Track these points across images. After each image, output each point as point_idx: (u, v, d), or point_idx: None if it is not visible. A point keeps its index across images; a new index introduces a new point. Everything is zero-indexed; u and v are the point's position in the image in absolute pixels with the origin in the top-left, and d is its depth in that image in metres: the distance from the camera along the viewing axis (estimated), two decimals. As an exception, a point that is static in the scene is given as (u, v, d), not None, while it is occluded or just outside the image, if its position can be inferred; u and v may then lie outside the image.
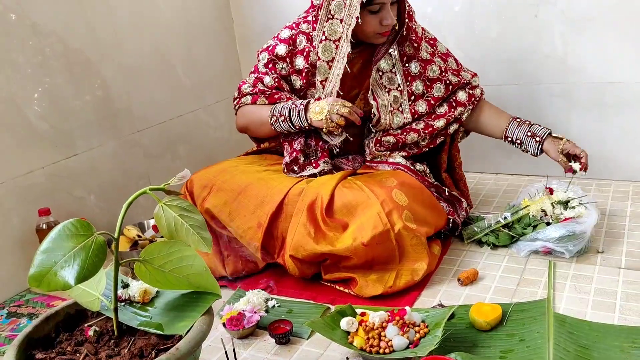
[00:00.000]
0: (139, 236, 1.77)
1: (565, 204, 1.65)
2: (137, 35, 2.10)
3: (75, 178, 1.88)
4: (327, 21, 1.60)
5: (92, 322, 1.08)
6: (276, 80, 1.71)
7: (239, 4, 2.51)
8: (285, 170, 1.69)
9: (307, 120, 1.61)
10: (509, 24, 2.05)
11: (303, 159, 1.69)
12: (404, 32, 1.67)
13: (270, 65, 1.71)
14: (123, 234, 1.80)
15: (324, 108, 1.59)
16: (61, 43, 1.82)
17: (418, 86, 1.73)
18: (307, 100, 1.65)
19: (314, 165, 1.69)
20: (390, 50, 1.70)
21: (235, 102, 1.78)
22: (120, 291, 1.09)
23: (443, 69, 1.75)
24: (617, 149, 2.04)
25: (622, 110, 1.98)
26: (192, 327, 0.99)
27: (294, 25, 1.72)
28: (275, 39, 1.72)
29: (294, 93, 1.73)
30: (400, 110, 1.72)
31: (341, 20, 1.58)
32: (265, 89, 1.72)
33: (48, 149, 1.80)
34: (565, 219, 1.60)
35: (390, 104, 1.70)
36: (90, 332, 1.04)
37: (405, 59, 1.72)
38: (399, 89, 1.72)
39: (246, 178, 1.64)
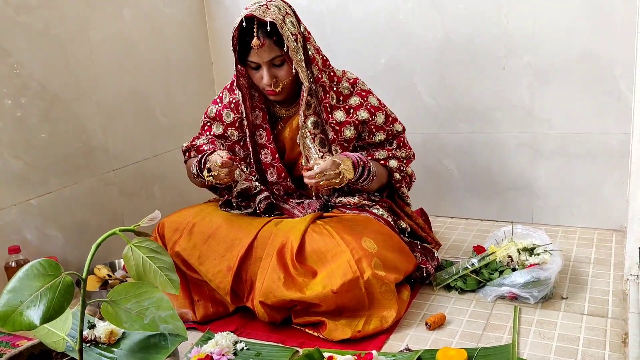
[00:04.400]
0: (109, 276, 1.77)
1: (530, 250, 1.69)
2: (117, 76, 2.13)
3: (47, 216, 1.88)
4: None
5: (56, 363, 1.07)
6: (210, 140, 1.80)
7: (219, 47, 2.57)
8: (223, 209, 1.74)
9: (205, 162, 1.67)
10: (478, 75, 2.13)
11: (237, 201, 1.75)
12: (306, 96, 1.63)
13: (206, 127, 1.83)
14: (93, 273, 1.79)
15: (208, 163, 1.63)
16: (38, 81, 1.84)
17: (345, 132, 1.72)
18: (206, 154, 1.69)
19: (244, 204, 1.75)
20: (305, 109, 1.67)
21: (184, 161, 1.88)
22: (86, 332, 1.09)
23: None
24: (582, 197, 2.10)
25: (586, 159, 2.06)
26: (156, 369, 0.99)
27: (228, 85, 1.79)
28: (212, 102, 1.83)
29: (239, 145, 1.79)
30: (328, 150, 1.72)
31: None
32: (196, 143, 1.81)
33: (21, 187, 1.80)
34: (530, 265, 1.64)
35: (319, 149, 1.70)
36: (54, 374, 1.04)
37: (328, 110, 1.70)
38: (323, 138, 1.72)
39: (216, 220, 1.66)
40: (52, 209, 1.89)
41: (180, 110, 2.43)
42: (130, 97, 2.20)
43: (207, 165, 1.64)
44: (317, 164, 1.57)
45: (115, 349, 1.07)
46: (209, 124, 1.83)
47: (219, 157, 1.60)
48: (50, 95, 1.89)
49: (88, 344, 1.09)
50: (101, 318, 1.16)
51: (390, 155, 1.77)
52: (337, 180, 1.59)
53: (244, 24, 1.56)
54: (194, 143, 1.82)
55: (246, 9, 1.56)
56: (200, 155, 1.71)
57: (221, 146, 1.79)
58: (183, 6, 2.45)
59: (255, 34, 1.55)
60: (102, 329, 1.09)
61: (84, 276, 1.00)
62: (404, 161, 1.81)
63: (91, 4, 2.02)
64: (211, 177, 1.64)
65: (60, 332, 1.03)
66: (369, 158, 1.74)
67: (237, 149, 1.79)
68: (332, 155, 1.69)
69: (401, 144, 1.80)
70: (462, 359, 1.31)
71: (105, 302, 1.01)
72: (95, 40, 2.04)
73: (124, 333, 1.11)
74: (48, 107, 1.88)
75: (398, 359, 1.32)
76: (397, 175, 1.79)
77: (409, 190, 1.87)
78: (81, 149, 2.00)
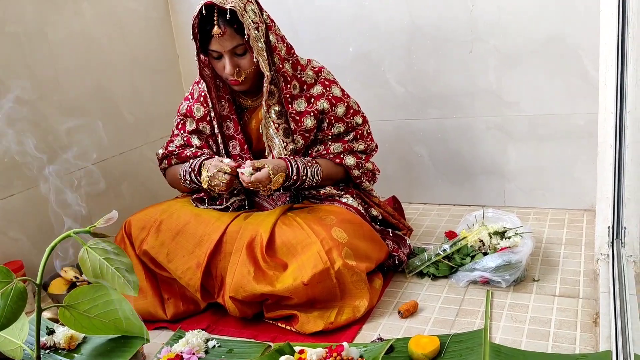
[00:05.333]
0: (76, 278, 1.73)
1: (501, 234, 1.69)
2: (79, 74, 2.08)
3: (10, 219, 1.83)
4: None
5: (15, 372, 1.04)
6: (185, 139, 1.77)
7: (185, 40, 2.52)
8: (194, 204, 1.73)
9: (198, 179, 1.65)
10: (446, 60, 2.12)
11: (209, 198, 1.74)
12: (268, 86, 1.60)
13: (180, 126, 1.79)
14: (60, 275, 1.75)
15: (206, 172, 1.59)
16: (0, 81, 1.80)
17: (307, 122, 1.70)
18: (202, 160, 1.67)
19: (219, 202, 1.73)
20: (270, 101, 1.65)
21: (160, 167, 1.86)
22: (45, 338, 1.06)
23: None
24: (553, 178, 2.11)
25: (556, 141, 2.06)
26: (117, 373, 0.97)
27: (197, 78, 1.74)
28: (184, 99, 1.80)
29: (212, 138, 1.75)
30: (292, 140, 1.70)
31: None
32: (174, 148, 1.78)
33: (-19, 190, 1.76)
34: (502, 249, 1.64)
35: (282, 139, 1.68)
36: (12, 383, 1.01)
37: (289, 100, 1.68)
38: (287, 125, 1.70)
39: (184, 216, 1.63)
40: (16, 211, 1.85)
41: (147, 106, 2.39)
42: (94, 94, 2.15)
43: (208, 173, 1.59)
44: (258, 168, 1.56)
45: (75, 355, 1.05)
46: (182, 121, 1.79)
47: (226, 166, 1.57)
48: (10, 96, 1.83)
49: (47, 351, 1.06)
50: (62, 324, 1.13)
51: (347, 148, 1.75)
52: (263, 189, 1.58)
53: (203, 11, 1.52)
54: (171, 150, 1.79)
55: None
56: (194, 161, 1.68)
57: (198, 142, 1.76)
58: (146, 1, 2.39)
59: (215, 22, 1.52)
60: (62, 334, 1.06)
61: (37, 281, 0.97)
62: (363, 157, 1.79)
63: (49, 0, 1.96)
64: (209, 183, 1.59)
65: (17, 340, 1.00)
66: (325, 153, 1.73)
67: (211, 143, 1.76)
68: (295, 143, 1.68)
69: (358, 136, 1.77)
70: (434, 347, 1.30)
71: (62, 306, 0.99)
72: (55, 38, 1.99)
73: (84, 337, 1.08)
74: (7, 108, 1.83)
75: (369, 350, 1.31)
76: (356, 172, 1.77)
77: (373, 183, 1.86)
78: (43, 149, 1.94)
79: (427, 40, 2.12)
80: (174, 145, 1.79)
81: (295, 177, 1.63)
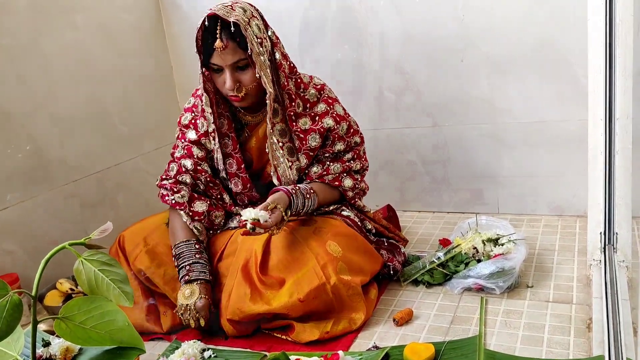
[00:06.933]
0: (72, 289, 1.73)
1: (495, 241, 1.70)
2: (72, 86, 2.09)
3: (5, 231, 1.83)
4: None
5: (11, 385, 1.04)
6: (186, 148, 1.69)
7: (178, 52, 2.54)
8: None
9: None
10: (438, 69, 2.13)
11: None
12: (271, 103, 1.57)
13: (180, 135, 1.73)
14: (55, 287, 1.75)
15: (182, 303, 1.51)
16: (-9, 95, 1.80)
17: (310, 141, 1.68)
18: (189, 278, 1.54)
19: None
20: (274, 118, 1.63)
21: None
22: (40, 350, 1.06)
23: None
24: (546, 185, 2.12)
25: (549, 148, 2.08)
26: (113, 384, 0.97)
27: (198, 91, 1.71)
28: (185, 110, 1.74)
29: (211, 154, 1.71)
30: (296, 158, 1.69)
31: None
32: (175, 172, 1.69)
33: (-24, 203, 1.76)
34: (495, 256, 1.65)
35: (287, 159, 1.67)
36: (8, 395, 1.01)
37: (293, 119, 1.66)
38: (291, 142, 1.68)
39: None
40: (10, 224, 1.85)
41: (141, 117, 2.40)
42: (87, 107, 2.15)
43: (182, 299, 1.52)
44: (267, 215, 1.48)
45: (71, 366, 1.05)
46: (182, 132, 1.73)
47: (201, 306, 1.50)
48: (3, 108, 1.84)
49: (43, 363, 1.06)
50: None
51: (346, 168, 1.73)
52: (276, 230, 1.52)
53: (206, 23, 1.49)
54: (172, 174, 1.69)
55: (210, 9, 1.51)
56: (182, 260, 1.58)
57: (199, 153, 1.68)
58: (139, 12, 2.41)
59: (218, 35, 1.49)
60: (57, 346, 1.06)
61: (33, 293, 0.97)
62: (359, 177, 1.78)
63: (42, 13, 1.98)
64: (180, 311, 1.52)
65: (13, 352, 1.00)
66: (325, 174, 1.70)
67: (212, 155, 1.70)
68: (299, 162, 1.68)
69: (356, 156, 1.76)
70: (429, 354, 1.31)
71: (58, 318, 0.99)
72: (48, 50, 2.00)
73: (80, 349, 1.08)
74: (1, 120, 1.83)
75: (365, 358, 1.32)
76: (350, 194, 1.75)
77: (360, 200, 1.86)
78: (38, 161, 1.95)
79: (419, 49, 2.14)
80: (174, 169, 1.70)
81: (293, 212, 1.60)
